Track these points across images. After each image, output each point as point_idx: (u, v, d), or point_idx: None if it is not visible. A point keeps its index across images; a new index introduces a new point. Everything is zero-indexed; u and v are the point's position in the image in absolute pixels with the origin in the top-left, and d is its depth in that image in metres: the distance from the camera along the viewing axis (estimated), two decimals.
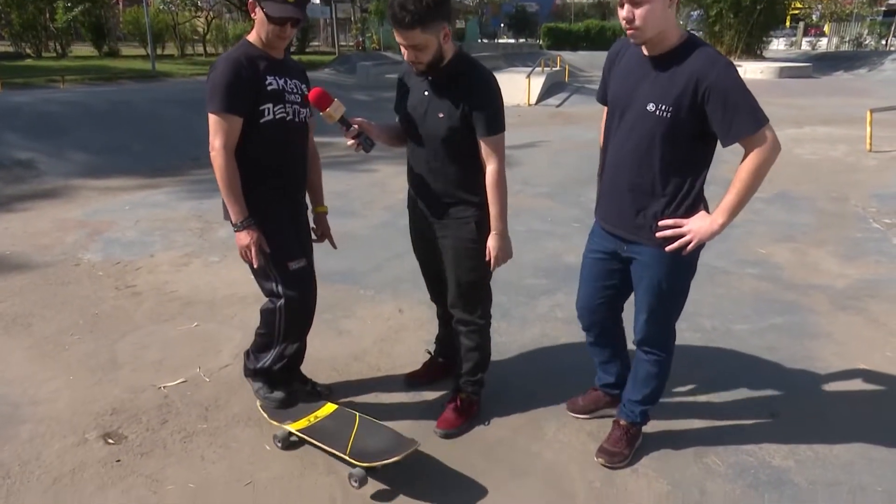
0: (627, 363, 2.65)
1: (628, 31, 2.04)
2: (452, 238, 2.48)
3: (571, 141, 10.08)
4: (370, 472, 2.32)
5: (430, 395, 2.92)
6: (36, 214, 5.91)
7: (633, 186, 2.20)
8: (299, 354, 2.76)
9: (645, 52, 2.11)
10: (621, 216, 2.28)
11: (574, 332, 3.56)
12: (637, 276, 2.33)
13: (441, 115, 2.33)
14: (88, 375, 3.11)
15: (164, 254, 4.82)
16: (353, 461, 2.32)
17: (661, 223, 2.16)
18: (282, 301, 2.46)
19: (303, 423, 2.55)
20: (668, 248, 2.16)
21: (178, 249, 4.92)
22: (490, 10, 45.64)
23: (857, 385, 3.05)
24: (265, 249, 2.41)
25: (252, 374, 2.68)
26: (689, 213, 2.15)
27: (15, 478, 2.39)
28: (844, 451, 2.53)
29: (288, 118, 2.43)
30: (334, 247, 2.85)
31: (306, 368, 2.93)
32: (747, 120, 1.97)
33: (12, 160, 7.30)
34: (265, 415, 2.67)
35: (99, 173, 7.43)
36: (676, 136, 2.07)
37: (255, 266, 2.42)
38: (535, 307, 3.91)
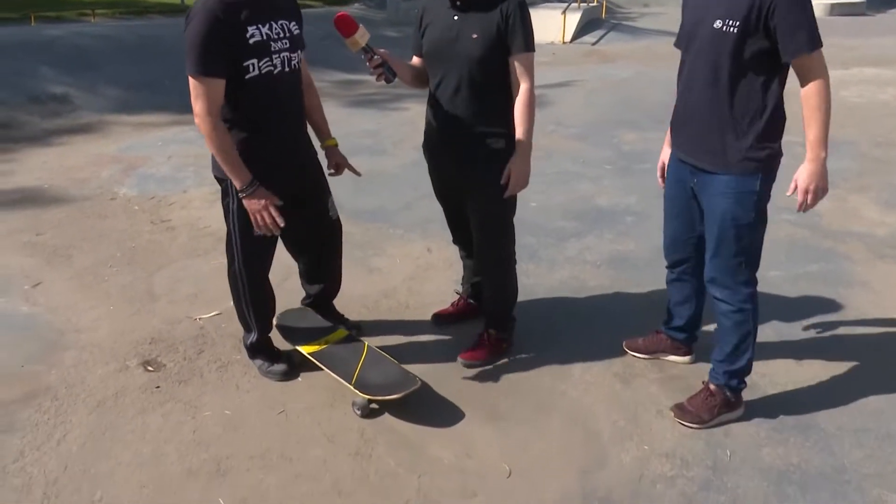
0: (698, 313, 2.62)
1: None
2: (481, 171, 2.45)
3: (607, 80, 9.78)
4: (375, 403, 2.41)
5: (458, 334, 2.96)
6: (72, 149, 6.01)
7: (701, 110, 2.16)
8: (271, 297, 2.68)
9: None
10: (691, 142, 2.24)
11: (604, 276, 3.56)
12: (704, 207, 2.28)
13: (475, 36, 2.30)
14: (127, 306, 3.21)
15: (196, 190, 4.88)
16: (356, 391, 2.39)
17: (787, 194, 2.13)
18: (238, 263, 2.47)
19: (314, 346, 2.63)
20: (800, 209, 2.13)
21: (209, 186, 4.95)
22: None
23: (891, 334, 3.00)
24: (278, 203, 2.27)
25: (251, 355, 2.70)
26: (760, 140, 2.09)
27: (62, 399, 2.51)
28: (874, 400, 2.51)
29: (276, 71, 2.23)
30: (357, 174, 2.74)
31: (338, 305, 2.98)
32: (807, 38, 1.96)
33: (48, 94, 7.37)
34: (279, 332, 2.75)
35: (131, 109, 7.48)
36: (743, 53, 2.02)
37: (278, 229, 2.29)
38: (564, 250, 3.89)
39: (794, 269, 3.64)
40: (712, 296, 2.34)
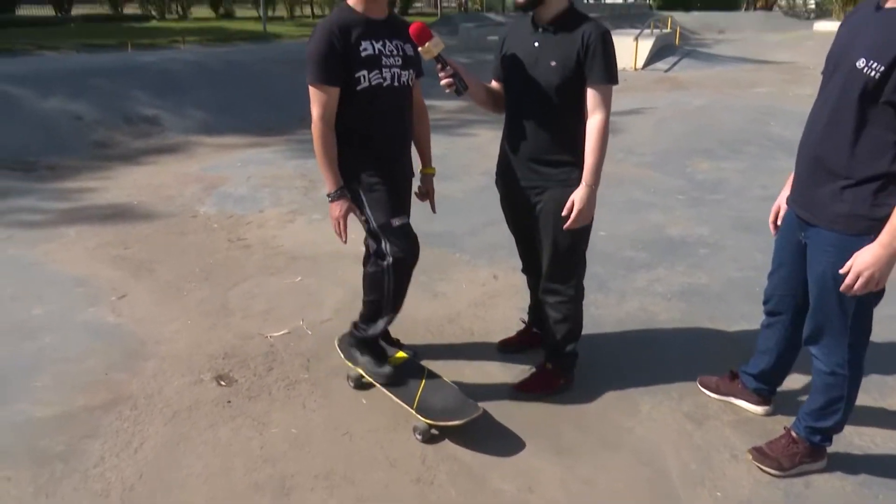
0: (785, 366, 2.47)
1: None
2: (554, 201, 2.43)
3: (679, 107, 9.59)
4: (435, 428, 2.40)
5: (522, 363, 2.92)
6: (160, 168, 6.36)
7: (817, 156, 1.97)
8: None
9: (880, 2, 1.83)
10: (801, 190, 2.06)
11: (675, 309, 3.45)
12: (808, 261, 2.08)
13: (554, 64, 2.30)
14: (204, 320, 3.35)
15: (272, 210, 5.06)
16: (418, 415, 2.39)
17: (841, 271, 1.90)
18: (388, 260, 2.43)
19: None
20: (843, 290, 1.90)
21: (284, 206, 5.15)
22: None
23: None
24: (359, 217, 2.44)
25: (359, 345, 2.68)
26: (877, 197, 1.85)
27: (141, 409, 2.63)
28: None
29: (385, 84, 2.39)
30: (434, 211, 2.83)
31: (402, 329, 3.01)
32: None
33: (140, 116, 7.85)
34: (341, 353, 2.79)
35: (214, 130, 7.87)
36: (877, 101, 1.79)
37: (342, 240, 2.46)
38: (634, 280, 3.80)
39: None
40: (810, 353, 2.19)
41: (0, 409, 2.61)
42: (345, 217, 2.43)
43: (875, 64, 1.77)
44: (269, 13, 25.47)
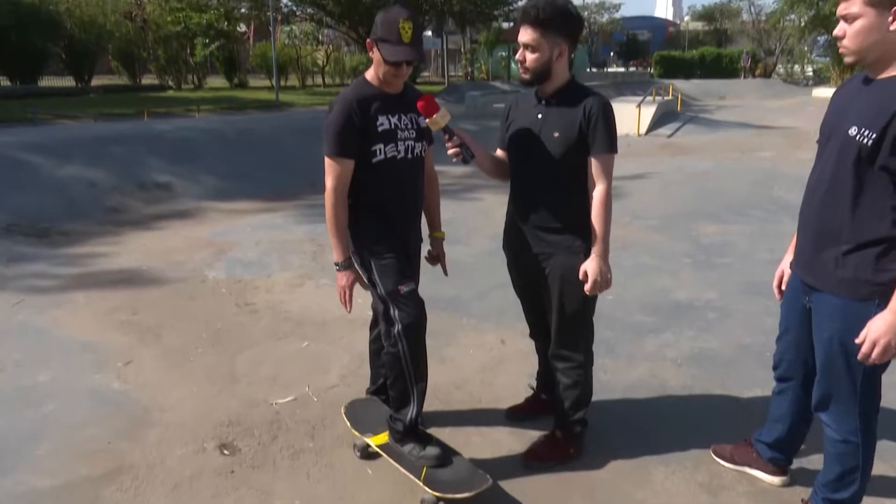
0: (799, 434, 2.42)
1: (840, 49, 1.92)
2: (561, 268, 2.45)
3: (684, 172, 9.72)
4: (444, 501, 2.33)
5: (532, 430, 2.87)
6: (170, 233, 6.45)
7: (818, 222, 2.01)
8: None
9: (872, 75, 1.92)
10: (804, 256, 2.09)
11: (685, 374, 3.41)
12: (814, 326, 2.09)
13: (557, 134, 2.36)
14: (209, 386, 3.32)
15: (281, 274, 5.09)
16: (426, 487, 2.33)
17: (856, 341, 1.89)
18: (397, 326, 2.42)
19: (382, 437, 2.60)
20: (861, 359, 1.89)
21: (293, 270, 5.19)
22: (600, 38, 45.31)
23: None
24: (364, 286, 2.49)
25: (401, 437, 2.55)
26: (878, 262, 1.88)
27: (142, 479, 2.58)
28: None
29: (399, 156, 2.47)
30: (445, 273, 2.85)
31: None
32: None
33: (153, 182, 8.02)
34: (347, 421, 2.74)
35: (226, 196, 8.01)
36: (872, 167, 1.84)
37: (346, 309, 2.50)
38: (643, 345, 3.77)
39: None
40: (819, 419, 2.15)
41: (0, 479, 2.56)
42: (350, 287, 2.48)
43: (867, 132, 1.83)
44: (282, 82, 26.41)
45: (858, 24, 1.82)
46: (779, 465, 2.50)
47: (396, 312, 2.44)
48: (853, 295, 1.92)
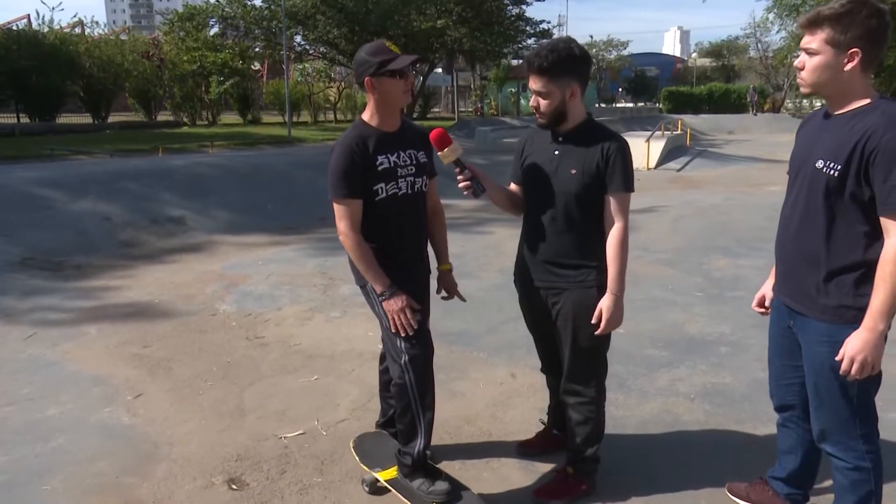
0: (811, 465, 2.38)
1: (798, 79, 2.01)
2: (573, 303, 2.44)
3: (694, 205, 9.73)
4: None
5: (543, 466, 2.83)
6: (182, 267, 6.50)
7: (796, 252, 2.08)
8: None
9: (831, 110, 2.02)
10: (787, 283, 2.14)
11: (698, 409, 3.36)
12: (803, 353, 2.12)
13: (574, 171, 2.37)
14: (218, 420, 3.31)
15: (291, 308, 5.10)
16: None
17: (836, 359, 1.95)
18: (404, 357, 2.43)
19: (391, 472, 2.57)
20: (843, 374, 1.93)
21: (303, 304, 5.20)
22: (608, 74, 45.89)
23: None
24: (415, 307, 2.44)
25: (410, 472, 2.54)
26: (857, 287, 1.94)
27: None
28: None
29: (400, 193, 2.49)
30: (463, 300, 2.85)
31: None
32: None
33: (166, 217, 8.12)
34: (356, 455, 2.70)
35: (237, 230, 8.09)
36: (842, 197, 1.92)
37: (412, 329, 2.42)
38: (655, 380, 3.72)
39: None
40: (824, 451, 2.13)
41: None
42: (405, 310, 2.40)
43: (832, 164, 1.92)
44: (294, 119, 26.84)
45: (817, 59, 1.92)
46: (796, 500, 2.45)
47: (403, 344, 2.44)
48: (838, 319, 1.97)
